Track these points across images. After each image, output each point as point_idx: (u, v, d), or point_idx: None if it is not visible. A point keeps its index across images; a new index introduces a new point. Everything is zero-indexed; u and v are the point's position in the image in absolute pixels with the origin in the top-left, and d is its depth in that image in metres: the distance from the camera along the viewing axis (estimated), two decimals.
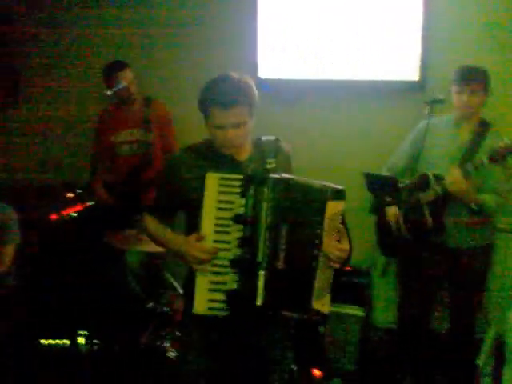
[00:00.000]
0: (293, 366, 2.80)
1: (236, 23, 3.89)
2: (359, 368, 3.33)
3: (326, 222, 1.97)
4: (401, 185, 2.96)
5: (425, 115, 2.90)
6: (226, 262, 2.01)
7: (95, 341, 3.07)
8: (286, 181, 2.02)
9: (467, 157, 2.83)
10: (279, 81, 3.86)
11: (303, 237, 2.00)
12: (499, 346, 3.03)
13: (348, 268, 3.63)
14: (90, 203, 3.88)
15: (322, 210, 1.97)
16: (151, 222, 2.25)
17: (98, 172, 3.86)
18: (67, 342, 3.11)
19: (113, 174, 3.80)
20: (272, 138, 2.23)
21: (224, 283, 2.00)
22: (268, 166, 2.08)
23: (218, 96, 2.02)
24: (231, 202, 2.00)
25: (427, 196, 2.86)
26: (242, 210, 2.00)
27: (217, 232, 2.02)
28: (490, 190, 2.83)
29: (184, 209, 2.19)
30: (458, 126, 2.94)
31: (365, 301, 3.52)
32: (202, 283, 2.01)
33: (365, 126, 3.75)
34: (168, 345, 2.93)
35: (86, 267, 3.61)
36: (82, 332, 3.11)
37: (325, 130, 3.83)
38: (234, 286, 2.00)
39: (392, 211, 2.97)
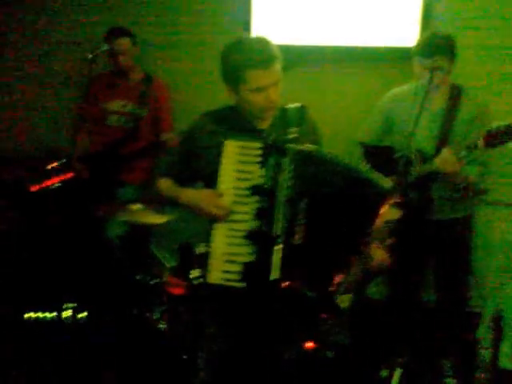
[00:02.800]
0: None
1: None
2: (352, 341, 3.27)
3: (378, 223, 1.95)
4: (396, 155, 2.87)
5: (425, 82, 2.79)
6: (243, 234, 1.94)
7: (82, 314, 2.98)
8: (308, 153, 1.94)
9: (445, 129, 2.75)
10: None
11: (339, 222, 1.94)
12: (498, 320, 3.00)
13: None
14: (71, 174, 3.75)
15: (374, 210, 1.96)
16: (163, 182, 2.16)
17: (79, 141, 3.74)
18: (53, 315, 3.02)
19: (94, 144, 3.69)
20: (297, 105, 2.13)
21: (240, 255, 1.94)
22: (290, 136, 1.98)
23: (258, 56, 1.91)
24: (250, 172, 1.93)
25: (414, 174, 2.76)
26: (260, 181, 1.92)
27: (234, 202, 1.95)
28: (471, 161, 2.72)
29: (200, 179, 2.11)
30: (429, 95, 2.76)
31: None
32: (217, 254, 1.96)
33: (362, 94, 3.64)
34: (157, 317, 2.86)
35: (69, 239, 3.49)
36: (68, 305, 3.02)
37: (320, 98, 3.70)
38: (250, 258, 1.93)
39: None
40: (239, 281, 1.93)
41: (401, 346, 3.12)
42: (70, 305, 3.05)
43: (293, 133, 1.99)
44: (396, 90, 2.96)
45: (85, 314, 3.01)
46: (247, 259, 1.93)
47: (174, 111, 3.66)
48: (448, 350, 3.05)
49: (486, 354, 2.89)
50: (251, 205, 1.93)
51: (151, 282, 2.99)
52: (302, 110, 2.13)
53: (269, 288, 1.95)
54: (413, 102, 2.81)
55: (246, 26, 3.69)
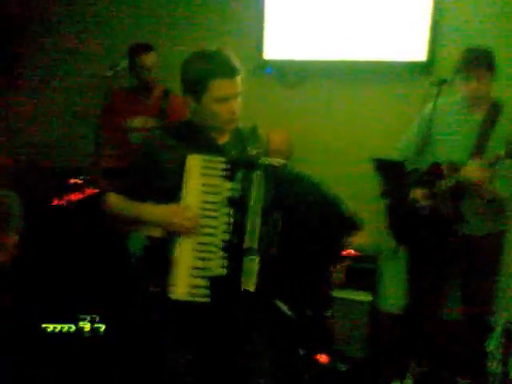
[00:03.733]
0: (300, 351, 2.77)
1: (241, 4, 3.83)
2: (366, 354, 3.29)
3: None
4: (409, 169, 2.90)
5: (433, 96, 2.84)
6: (212, 248, 1.90)
7: (100, 325, 3.04)
8: (278, 167, 1.97)
9: (481, 143, 2.78)
10: (283, 62, 3.78)
11: (311, 238, 1.96)
12: (509, 333, 3.00)
13: (355, 253, 3.62)
14: (93, 190, 3.79)
15: (339, 238, 2.04)
16: (117, 198, 2.05)
17: (102, 158, 3.75)
18: (71, 326, 3.07)
19: (117, 161, 3.70)
20: (250, 125, 2.15)
21: (208, 269, 1.89)
22: (253, 152, 2.01)
23: (223, 65, 1.92)
24: (216, 186, 1.92)
25: (442, 185, 2.81)
26: (228, 194, 1.91)
27: (202, 216, 1.91)
28: (499, 175, 2.75)
29: (159, 197, 2.00)
30: (469, 110, 2.88)
31: (372, 286, 3.48)
32: (182, 268, 1.88)
33: (370, 108, 3.68)
34: None
35: (88, 252, 3.54)
36: (86, 316, 3.08)
37: (329, 112, 3.76)
38: (221, 271, 1.89)
39: (418, 193, 2.89)
40: (206, 296, 1.87)
41: (414, 358, 3.15)
42: (88, 316, 3.08)
43: (252, 150, 2.00)
44: (438, 101, 2.89)
45: (103, 326, 3.05)
46: (217, 273, 1.88)
47: None
48: (457, 361, 3.07)
49: (495, 365, 2.90)
50: (221, 218, 1.90)
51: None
52: (254, 130, 2.14)
53: (240, 299, 1.91)
54: (454, 114, 2.89)
55: (259, 40, 3.76)
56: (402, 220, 3.00)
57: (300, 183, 2.00)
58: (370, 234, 3.63)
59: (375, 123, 3.65)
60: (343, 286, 3.36)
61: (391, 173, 2.99)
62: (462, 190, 2.78)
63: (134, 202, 2.02)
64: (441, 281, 3.08)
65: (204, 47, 2.00)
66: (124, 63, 3.55)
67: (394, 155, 3.10)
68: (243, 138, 2.09)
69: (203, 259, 1.90)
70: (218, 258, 1.89)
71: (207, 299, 1.88)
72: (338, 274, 2.11)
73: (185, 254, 1.90)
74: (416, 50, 3.48)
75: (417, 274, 3.12)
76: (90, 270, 3.48)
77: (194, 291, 1.87)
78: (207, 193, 1.91)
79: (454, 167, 2.78)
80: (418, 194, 2.89)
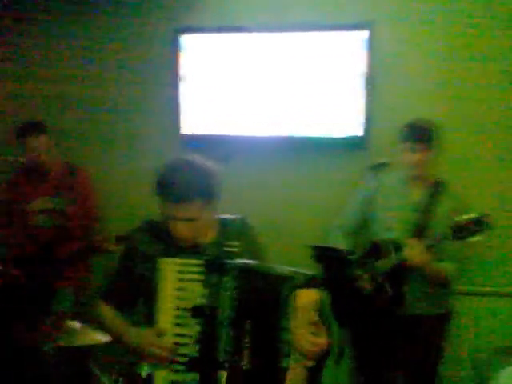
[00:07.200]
0: None
1: (158, 79, 3.66)
2: None
3: (298, 312, 1.73)
4: (351, 257, 2.77)
5: (369, 179, 2.78)
6: (186, 359, 1.80)
7: None
8: (248, 269, 1.83)
9: (421, 222, 2.73)
10: (208, 137, 3.59)
11: (269, 331, 1.77)
12: None
13: None
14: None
15: (287, 299, 1.75)
16: (106, 311, 2.04)
17: (9, 244, 3.46)
18: None
19: (24, 248, 3.42)
20: (236, 216, 2.08)
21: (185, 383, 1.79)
22: (230, 250, 1.88)
23: (168, 190, 1.88)
24: (191, 291, 1.83)
25: (383, 265, 2.71)
26: (202, 301, 1.81)
27: (176, 325, 1.83)
28: (448, 257, 2.71)
29: (143, 297, 2.00)
30: (410, 186, 2.83)
31: None
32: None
33: (304, 184, 3.57)
34: None
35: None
36: None
37: (260, 189, 3.61)
38: None
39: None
40: None
41: None
42: None
43: (232, 247, 1.89)
44: (380, 179, 2.89)
45: None
46: None
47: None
48: None
49: None
50: (192, 327, 1.81)
51: None
52: (241, 221, 2.08)
53: None
54: (395, 191, 2.84)
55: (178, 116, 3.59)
56: (345, 306, 2.81)
57: (268, 281, 1.82)
58: None
59: (310, 199, 3.52)
60: None
61: (332, 261, 2.83)
62: (404, 270, 2.68)
63: (119, 319, 2.02)
64: (390, 364, 2.92)
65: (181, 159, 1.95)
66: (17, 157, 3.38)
67: (334, 231, 3.01)
68: (227, 232, 2.02)
69: (179, 372, 1.80)
70: (191, 371, 1.80)
71: None
72: None
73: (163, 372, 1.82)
74: (352, 125, 3.38)
75: (363, 362, 2.96)
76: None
77: None
78: (182, 299, 1.83)
79: (398, 245, 2.69)
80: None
